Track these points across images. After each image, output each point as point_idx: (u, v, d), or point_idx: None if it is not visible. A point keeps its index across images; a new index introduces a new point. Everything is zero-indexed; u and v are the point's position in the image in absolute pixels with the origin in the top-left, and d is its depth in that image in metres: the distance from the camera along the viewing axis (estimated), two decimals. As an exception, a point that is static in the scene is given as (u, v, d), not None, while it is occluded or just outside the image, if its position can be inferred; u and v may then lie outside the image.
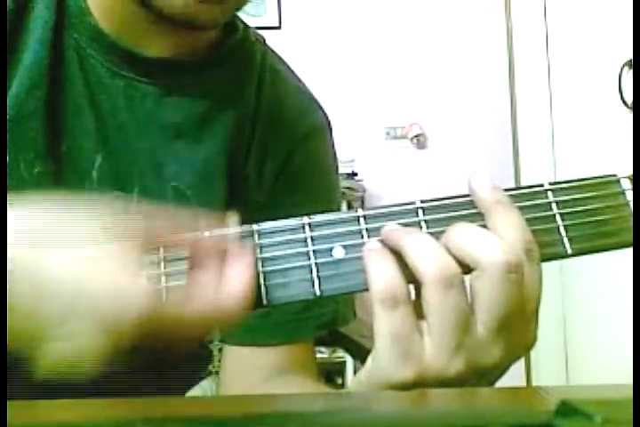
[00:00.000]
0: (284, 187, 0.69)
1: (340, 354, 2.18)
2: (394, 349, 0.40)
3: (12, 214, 0.39)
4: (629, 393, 0.30)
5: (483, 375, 0.41)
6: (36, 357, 0.37)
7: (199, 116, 0.66)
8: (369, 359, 0.41)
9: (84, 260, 0.37)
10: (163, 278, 0.40)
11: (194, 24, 0.59)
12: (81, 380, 0.37)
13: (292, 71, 0.75)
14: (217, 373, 0.74)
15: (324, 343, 2.16)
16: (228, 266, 0.41)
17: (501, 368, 0.42)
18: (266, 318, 0.68)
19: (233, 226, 0.43)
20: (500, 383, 0.44)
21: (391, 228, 0.42)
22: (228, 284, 0.40)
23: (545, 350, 2.27)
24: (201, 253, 0.41)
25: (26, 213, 0.39)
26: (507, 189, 0.43)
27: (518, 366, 2.34)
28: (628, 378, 0.37)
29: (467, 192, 0.43)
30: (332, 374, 2.21)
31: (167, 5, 0.57)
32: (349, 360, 2.14)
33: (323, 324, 0.71)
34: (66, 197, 0.40)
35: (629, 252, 0.43)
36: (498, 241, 0.40)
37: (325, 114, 0.76)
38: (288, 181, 0.69)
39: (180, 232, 0.42)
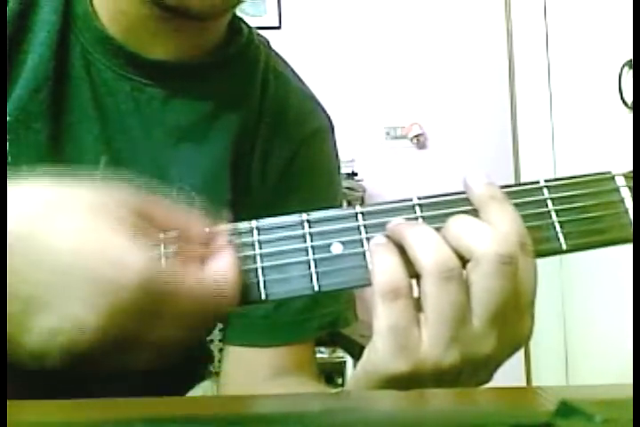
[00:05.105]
0: (287, 188, 0.70)
1: (340, 354, 2.18)
2: (391, 340, 0.40)
3: (11, 187, 0.39)
4: (629, 393, 0.30)
5: (477, 368, 0.42)
6: (27, 332, 0.36)
7: (204, 119, 0.66)
8: (366, 351, 0.42)
9: (80, 230, 0.37)
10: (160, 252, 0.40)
11: (192, 12, 0.58)
12: (67, 364, 0.36)
13: (295, 73, 0.76)
14: (217, 374, 0.74)
15: (324, 343, 2.16)
16: (212, 257, 0.40)
17: (496, 361, 0.42)
18: (267, 319, 0.68)
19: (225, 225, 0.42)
20: (500, 383, 0.44)
21: (396, 221, 0.42)
22: (214, 270, 0.40)
23: (545, 350, 2.28)
24: (190, 236, 0.41)
25: (24, 186, 0.39)
26: (502, 186, 0.44)
27: (518, 366, 2.34)
28: (628, 378, 0.37)
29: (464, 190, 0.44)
30: (331, 374, 2.21)
31: None
32: (349, 360, 2.14)
33: (324, 325, 0.71)
34: (65, 170, 0.40)
35: (629, 249, 0.44)
36: (492, 233, 0.41)
37: (328, 116, 0.76)
38: (291, 182, 0.70)
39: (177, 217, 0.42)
